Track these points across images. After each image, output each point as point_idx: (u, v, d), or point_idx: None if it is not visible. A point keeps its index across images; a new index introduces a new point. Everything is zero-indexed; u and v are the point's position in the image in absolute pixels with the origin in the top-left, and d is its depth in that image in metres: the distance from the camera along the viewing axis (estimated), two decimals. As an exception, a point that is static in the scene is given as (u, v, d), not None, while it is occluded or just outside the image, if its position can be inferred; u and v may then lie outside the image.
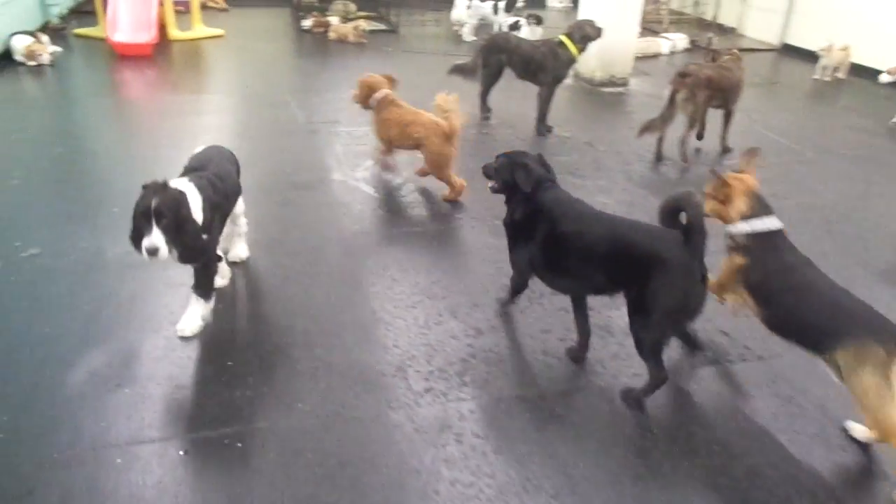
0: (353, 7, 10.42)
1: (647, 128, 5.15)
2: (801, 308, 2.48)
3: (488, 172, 3.04)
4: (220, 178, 2.98)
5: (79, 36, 8.59)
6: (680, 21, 10.87)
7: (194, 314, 2.94)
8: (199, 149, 3.23)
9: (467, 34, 9.43)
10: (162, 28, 8.39)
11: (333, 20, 9.48)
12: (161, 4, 8.34)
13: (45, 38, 7.55)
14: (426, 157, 4.38)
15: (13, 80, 6.78)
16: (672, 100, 5.03)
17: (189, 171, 2.99)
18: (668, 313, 2.48)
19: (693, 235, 2.38)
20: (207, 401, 2.59)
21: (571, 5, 11.95)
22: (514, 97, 6.31)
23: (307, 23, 9.63)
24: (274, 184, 4.55)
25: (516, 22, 8.89)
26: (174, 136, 5.33)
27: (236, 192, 3.26)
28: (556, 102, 5.82)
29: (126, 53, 7.77)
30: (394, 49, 8.80)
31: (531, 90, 5.83)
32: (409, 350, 2.94)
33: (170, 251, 2.59)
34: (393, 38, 9.42)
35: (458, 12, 9.62)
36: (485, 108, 6.08)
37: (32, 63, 7.17)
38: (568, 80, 6.06)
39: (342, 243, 3.84)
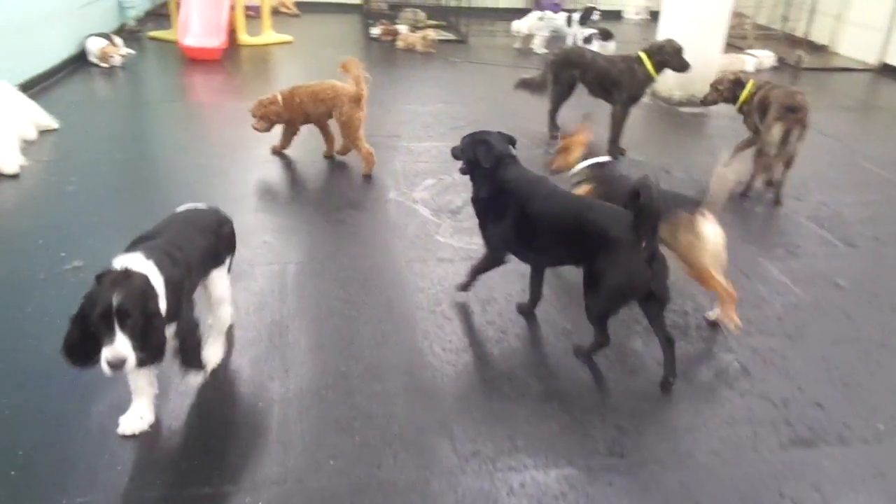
0: (422, 16, 10.25)
1: (764, 168, 4.70)
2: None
3: (455, 154, 3.13)
4: (177, 247, 2.36)
5: (152, 38, 8.69)
6: (767, 37, 10.26)
7: (138, 409, 2.38)
8: (180, 208, 2.69)
9: (538, 46, 9.09)
10: (232, 33, 8.40)
11: (402, 29, 9.32)
12: (232, 9, 8.34)
13: (118, 40, 7.64)
14: (339, 121, 4.70)
15: (85, 82, 6.85)
16: (785, 140, 4.55)
17: (138, 241, 2.35)
18: (612, 288, 2.66)
19: (643, 217, 2.53)
20: (231, 448, 2.36)
21: (649, 17, 11.47)
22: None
23: (376, 31, 9.50)
24: (328, 201, 4.36)
25: (590, 35, 8.50)
26: (233, 146, 5.22)
27: (204, 263, 2.58)
28: (630, 123, 5.44)
29: (195, 57, 7.80)
30: (461, 60, 8.55)
31: (604, 108, 5.47)
32: (456, 403, 2.65)
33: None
34: (461, 49, 9.18)
35: (521, 23, 9.21)
36: (553, 127, 5.75)
37: (105, 65, 7.26)
38: (644, 100, 5.67)
39: (393, 272, 3.58)
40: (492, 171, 2.95)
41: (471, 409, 2.61)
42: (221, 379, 2.71)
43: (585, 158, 3.49)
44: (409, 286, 3.45)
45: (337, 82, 4.82)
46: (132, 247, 2.30)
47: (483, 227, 3.10)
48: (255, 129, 4.79)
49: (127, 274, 2.07)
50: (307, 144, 5.23)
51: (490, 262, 3.17)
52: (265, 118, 4.80)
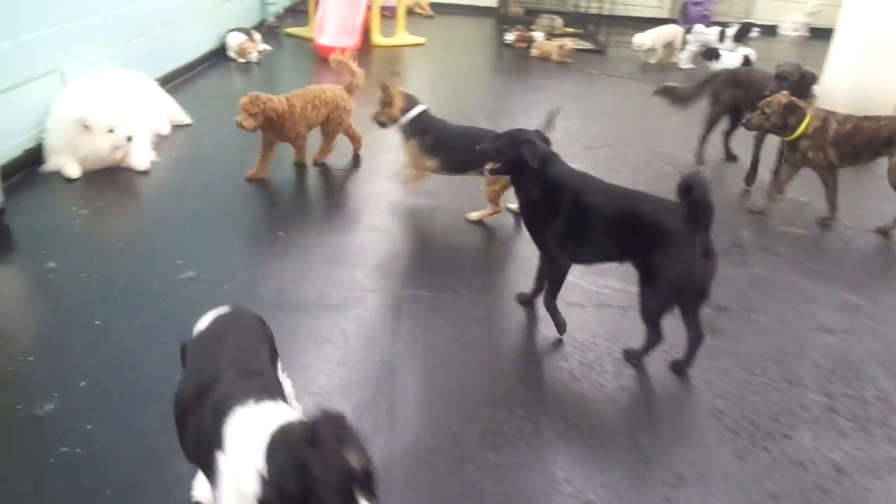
0: (559, 22, 9.81)
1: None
2: (453, 142, 3.98)
3: (488, 154, 2.98)
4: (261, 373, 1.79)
5: (289, 35, 8.78)
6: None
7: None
8: (208, 317, 2.04)
9: (685, 61, 8.42)
10: (366, 33, 8.33)
11: (538, 36, 8.93)
12: (368, 9, 8.27)
13: (257, 36, 7.73)
14: (334, 126, 4.66)
15: (222, 77, 6.95)
16: None
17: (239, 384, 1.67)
18: (671, 283, 2.63)
19: (697, 210, 2.51)
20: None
21: (808, 34, 10.46)
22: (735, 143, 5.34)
23: (510, 37, 9.17)
24: (447, 222, 4.07)
25: (747, 57, 7.67)
26: (351, 154, 5.05)
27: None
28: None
29: (328, 56, 7.75)
30: (599, 72, 8.06)
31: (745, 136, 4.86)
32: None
33: None
34: (599, 60, 8.68)
35: (645, 36, 8.41)
36: (701, 154, 5.19)
37: (242, 60, 7.35)
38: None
39: (517, 315, 3.23)
40: (540, 171, 2.81)
41: None
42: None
43: (407, 107, 4.03)
44: (534, 333, 3.09)
45: (332, 87, 4.73)
46: (245, 394, 1.60)
47: (538, 233, 2.95)
48: (241, 125, 4.17)
49: (323, 429, 1.41)
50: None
51: (556, 271, 2.97)
52: (260, 115, 4.17)
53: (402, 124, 4.08)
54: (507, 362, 2.88)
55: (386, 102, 4.04)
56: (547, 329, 3.11)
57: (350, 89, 4.78)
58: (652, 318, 2.76)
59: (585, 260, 3.06)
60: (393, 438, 2.42)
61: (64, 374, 2.60)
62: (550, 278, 3.01)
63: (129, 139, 4.21)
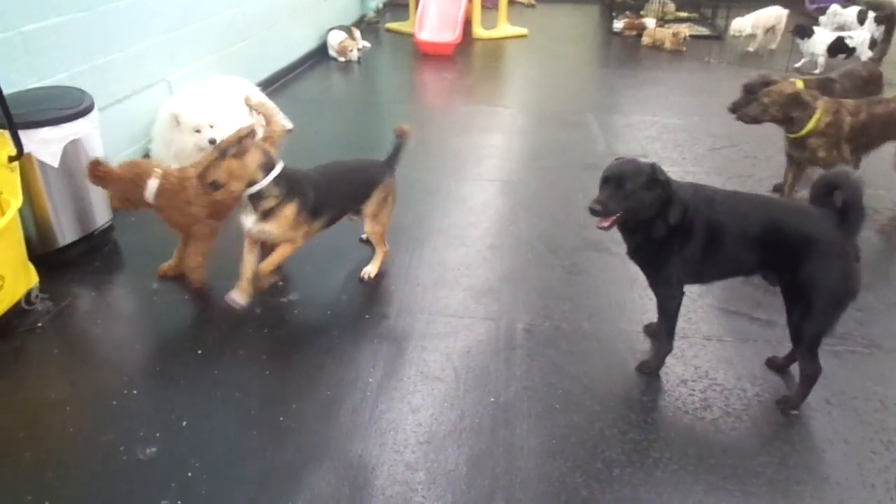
0: (671, 7, 9.19)
1: None
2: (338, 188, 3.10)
3: (610, 207, 2.37)
4: None
5: (389, 30, 8.64)
6: None
7: None
8: None
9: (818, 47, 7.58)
10: (467, 25, 8.06)
11: (649, 23, 8.37)
12: (470, 1, 8.00)
13: (357, 33, 7.63)
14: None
15: (323, 76, 6.87)
16: None
17: None
18: (830, 299, 2.34)
19: (850, 215, 2.28)
20: None
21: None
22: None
23: (619, 24, 8.66)
24: (561, 239, 3.73)
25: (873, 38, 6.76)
26: (457, 159, 4.80)
27: None
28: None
29: (429, 52, 7.57)
30: (718, 61, 7.44)
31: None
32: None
33: None
34: (717, 47, 8.02)
35: (745, 21, 7.49)
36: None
37: (342, 59, 7.26)
38: None
39: (644, 349, 2.88)
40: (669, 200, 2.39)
41: None
42: (434, 475, 2.22)
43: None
44: (667, 373, 2.73)
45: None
46: None
47: (662, 268, 2.54)
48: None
49: None
50: (541, 161, 4.64)
51: (674, 304, 2.61)
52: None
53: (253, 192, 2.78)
54: (638, 409, 2.55)
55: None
56: (681, 367, 2.75)
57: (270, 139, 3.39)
58: (810, 343, 2.43)
59: (708, 279, 2.75)
60: (513, 499, 2.15)
61: (166, 413, 2.49)
62: (664, 309, 2.64)
63: (212, 142, 4.15)
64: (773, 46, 7.74)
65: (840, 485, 2.22)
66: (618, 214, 2.39)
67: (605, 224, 2.42)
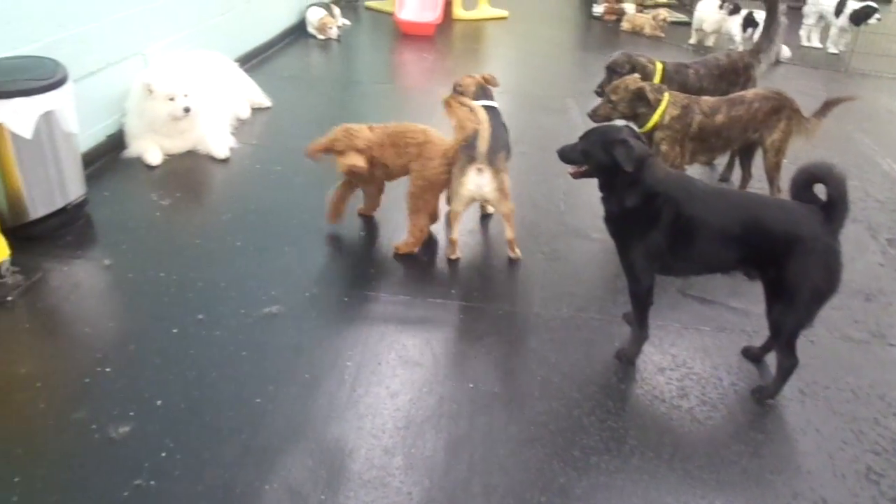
0: (652, -8, 9.18)
1: None
2: None
3: (571, 157, 2.64)
4: None
5: (369, 9, 8.52)
6: None
7: None
8: None
9: (804, 39, 7.57)
10: (448, 6, 7.99)
11: (629, 8, 8.37)
12: (451, -18, 7.92)
13: (336, 10, 7.51)
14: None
15: (302, 54, 6.76)
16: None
17: None
18: (813, 295, 2.36)
19: (835, 210, 2.30)
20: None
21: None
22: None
23: (598, 9, 8.65)
24: (542, 225, 3.73)
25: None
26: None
27: None
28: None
29: (409, 32, 7.49)
30: (695, 47, 7.47)
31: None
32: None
33: None
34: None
35: (704, 8, 7.27)
36: None
37: (322, 37, 7.14)
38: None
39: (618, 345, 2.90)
40: (635, 176, 2.46)
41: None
42: (411, 460, 2.22)
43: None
44: (645, 360, 2.75)
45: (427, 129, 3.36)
46: None
47: (627, 247, 2.59)
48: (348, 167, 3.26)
49: None
50: (521, 146, 4.62)
51: (640, 289, 2.62)
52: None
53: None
54: (616, 396, 2.57)
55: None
56: (658, 355, 2.77)
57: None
58: (790, 337, 2.46)
59: (680, 273, 2.83)
60: (490, 486, 2.16)
61: (141, 391, 2.45)
62: (634, 296, 2.66)
63: (187, 111, 4.06)
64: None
65: (812, 474, 2.26)
66: (582, 167, 2.62)
67: (570, 171, 2.68)
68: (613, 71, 3.89)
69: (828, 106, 3.69)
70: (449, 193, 3.30)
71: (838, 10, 7.22)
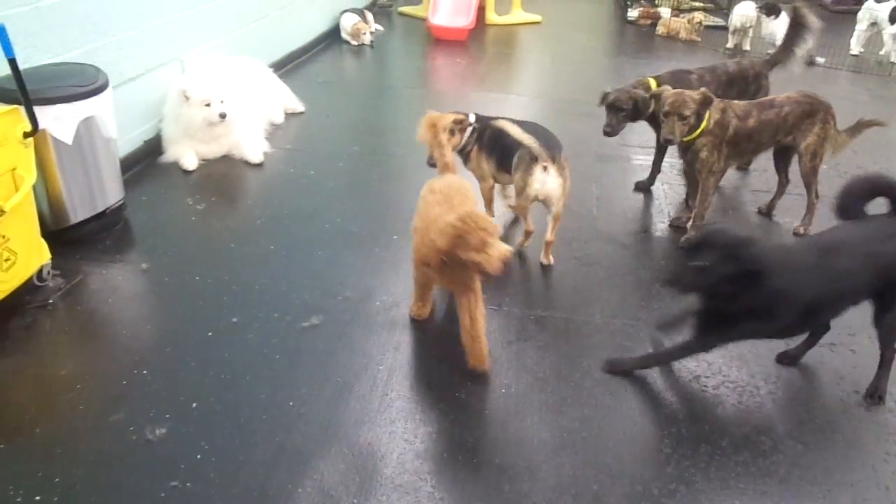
0: (687, -5, 9.07)
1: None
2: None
3: (692, 282, 2.24)
4: None
5: (402, 14, 8.56)
6: None
7: None
8: None
9: (854, 46, 7.31)
10: (481, 11, 7.99)
11: (664, 12, 8.28)
12: (484, -14, 7.92)
13: (370, 16, 7.56)
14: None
15: (335, 60, 6.82)
16: None
17: None
18: None
19: None
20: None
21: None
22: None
23: (633, 13, 8.57)
24: (574, 230, 3.70)
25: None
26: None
27: None
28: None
29: (442, 37, 7.50)
30: (732, 52, 7.35)
31: None
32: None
33: None
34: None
35: (741, 10, 7.14)
36: None
37: (355, 43, 7.20)
38: None
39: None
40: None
41: None
42: (443, 465, 2.21)
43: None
44: (680, 369, 2.71)
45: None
46: None
47: (723, 324, 2.37)
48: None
49: None
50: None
51: (698, 352, 2.56)
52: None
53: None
54: (650, 404, 2.53)
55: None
56: (693, 363, 2.72)
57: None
58: None
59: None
60: (521, 492, 2.14)
61: (177, 394, 2.49)
62: (688, 350, 2.52)
63: (223, 116, 4.13)
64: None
65: (854, 486, 2.20)
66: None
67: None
68: (617, 108, 3.72)
69: (860, 126, 3.61)
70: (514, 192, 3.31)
71: (893, 17, 6.97)
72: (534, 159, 3.10)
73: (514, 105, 5.69)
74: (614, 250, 3.53)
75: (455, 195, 2.64)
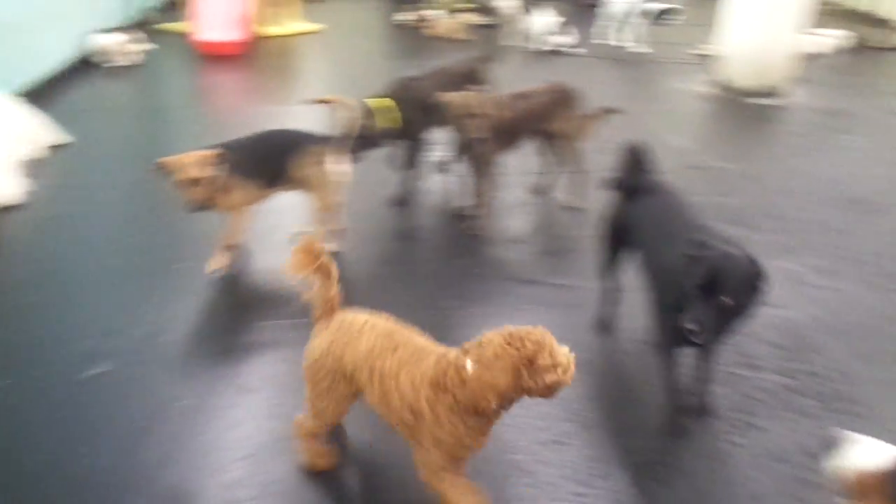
0: (452, -3, 9.48)
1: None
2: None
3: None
4: None
5: (166, 31, 8.07)
6: (834, 13, 9.29)
7: None
8: None
9: (619, 38, 7.87)
10: (252, 23, 7.76)
11: (433, 14, 8.61)
12: (253, -3, 7.69)
13: (127, 36, 6.95)
14: None
15: (99, 84, 6.31)
16: None
17: None
18: None
19: None
20: None
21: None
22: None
23: (403, 16, 8.86)
24: (377, 233, 3.74)
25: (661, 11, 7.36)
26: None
27: None
28: (692, 119, 4.70)
29: (213, 52, 7.15)
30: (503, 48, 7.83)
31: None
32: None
33: None
34: (498, 34, 8.42)
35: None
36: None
37: (114, 64, 6.65)
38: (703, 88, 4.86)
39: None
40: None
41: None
42: (262, 489, 2.13)
43: None
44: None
45: None
46: None
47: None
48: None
49: None
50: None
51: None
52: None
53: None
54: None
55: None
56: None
57: None
58: None
59: None
60: None
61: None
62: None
63: None
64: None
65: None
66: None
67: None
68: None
69: (602, 112, 3.92)
70: None
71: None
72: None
73: (295, 118, 5.60)
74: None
75: (391, 334, 1.98)
